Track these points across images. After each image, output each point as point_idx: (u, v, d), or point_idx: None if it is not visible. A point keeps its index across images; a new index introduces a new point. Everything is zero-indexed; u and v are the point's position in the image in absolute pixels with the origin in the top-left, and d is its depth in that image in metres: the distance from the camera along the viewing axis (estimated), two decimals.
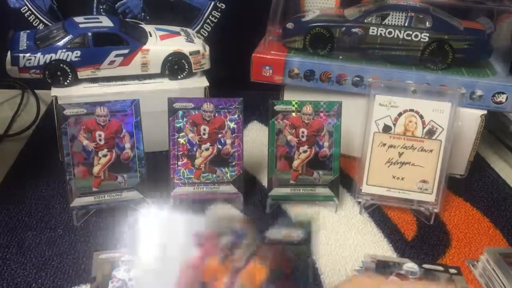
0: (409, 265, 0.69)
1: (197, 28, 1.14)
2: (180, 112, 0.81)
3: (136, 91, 0.91)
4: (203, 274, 0.35)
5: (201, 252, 0.35)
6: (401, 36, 0.90)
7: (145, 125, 0.80)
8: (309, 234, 0.36)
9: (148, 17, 1.13)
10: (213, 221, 0.36)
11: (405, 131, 0.83)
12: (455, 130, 0.83)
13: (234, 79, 1.00)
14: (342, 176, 0.88)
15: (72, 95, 0.89)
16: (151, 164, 0.82)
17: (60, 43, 0.89)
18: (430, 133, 0.82)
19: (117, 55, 0.90)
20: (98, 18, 0.94)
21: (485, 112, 0.88)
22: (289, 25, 0.95)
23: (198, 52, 0.95)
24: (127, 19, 1.11)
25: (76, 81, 0.91)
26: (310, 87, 0.93)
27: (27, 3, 1.10)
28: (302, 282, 0.37)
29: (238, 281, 0.36)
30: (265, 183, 0.88)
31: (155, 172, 0.83)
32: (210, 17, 1.14)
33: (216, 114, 0.82)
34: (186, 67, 0.95)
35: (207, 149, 0.82)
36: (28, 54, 0.88)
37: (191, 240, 0.35)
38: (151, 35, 0.95)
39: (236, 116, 0.82)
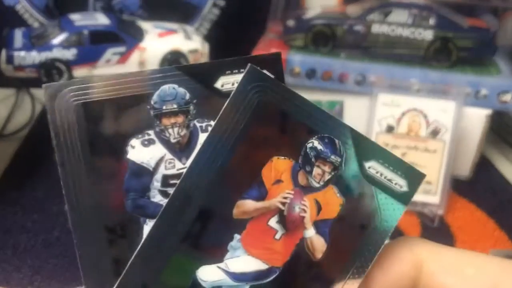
0: None
1: (195, 26, 1.12)
2: None
3: None
4: (264, 172, 0.28)
5: (276, 140, 0.28)
6: (404, 34, 0.88)
7: None
8: (412, 192, 0.29)
9: (145, 15, 1.11)
10: (312, 111, 0.27)
11: (409, 131, 0.82)
12: (460, 130, 0.82)
13: None
14: None
15: None
16: None
17: (56, 41, 0.87)
18: (434, 133, 0.81)
19: (113, 53, 0.89)
20: (94, 16, 0.93)
21: (490, 111, 0.87)
22: (290, 23, 0.94)
23: (196, 50, 0.94)
24: (124, 17, 1.10)
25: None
26: (312, 86, 0.91)
27: (22, 0, 1.09)
28: (366, 246, 0.29)
29: (303, 201, 0.29)
30: None
31: None
32: (209, 14, 1.12)
33: None
34: None
35: None
36: (23, 52, 0.87)
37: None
38: (148, 33, 0.94)
39: None
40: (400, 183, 0.29)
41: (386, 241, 0.30)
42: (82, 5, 1.09)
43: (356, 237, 0.29)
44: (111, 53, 0.89)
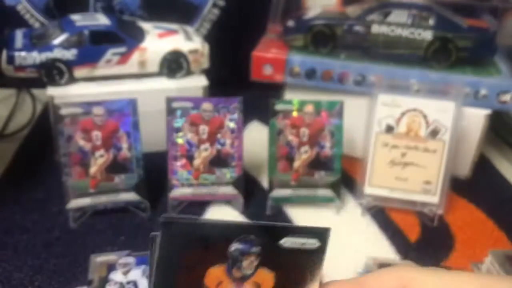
0: None
1: (196, 26, 1.12)
2: (179, 112, 0.80)
3: (133, 90, 0.89)
4: (206, 281, 0.34)
5: (206, 258, 0.34)
6: (404, 35, 0.88)
7: (143, 125, 0.79)
8: (325, 243, 0.35)
9: (145, 15, 1.11)
10: (223, 227, 0.35)
11: (408, 131, 0.82)
12: (459, 130, 0.82)
13: (233, 78, 0.99)
14: (345, 177, 0.87)
15: (68, 94, 0.87)
16: (149, 164, 0.80)
17: (56, 42, 0.87)
18: (434, 133, 0.81)
19: (114, 54, 0.89)
20: (95, 16, 0.93)
21: (489, 111, 0.87)
22: (290, 23, 0.94)
23: (197, 50, 0.94)
24: (124, 17, 1.10)
25: (73, 80, 0.89)
26: (312, 86, 0.91)
27: (23, 1, 1.09)
28: None
29: None
30: (265, 184, 0.87)
31: (153, 173, 0.81)
32: (210, 15, 1.12)
33: (215, 114, 0.80)
34: (185, 65, 0.93)
35: (206, 150, 0.81)
36: (23, 53, 0.87)
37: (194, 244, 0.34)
38: (149, 33, 0.94)
39: (235, 115, 0.80)
40: (312, 242, 0.35)
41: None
42: (83, 6, 1.09)
43: None
44: (111, 53, 0.89)
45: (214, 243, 0.34)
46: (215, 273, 0.35)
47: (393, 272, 0.35)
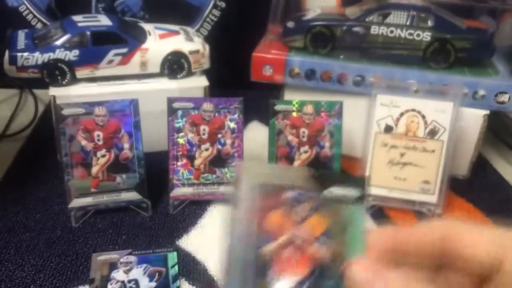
0: None
1: (196, 27, 1.13)
2: (180, 112, 0.81)
3: (135, 90, 0.90)
4: (267, 225, 0.37)
5: (266, 204, 0.37)
6: (402, 35, 0.89)
7: (144, 125, 0.79)
8: (364, 193, 0.38)
9: (147, 16, 1.12)
10: (280, 175, 0.38)
11: (407, 131, 0.82)
12: (457, 130, 0.83)
13: (234, 78, 1.00)
14: None
15: (70, 94, 0.88)
16: (150, 164, 0.81)
17: (58, 42, 0.88)
18: (432, 133, 0.81)
19: (115, 54, 0.90)
20: (97, 17, 0.93)
21: (487, 112, 0.88)
22: (290, 24, 0.94)
23: (197, 51, 0.95)
24: (126, 18, 1.10)
25: (74, 80, 0.90)
26: (311, 87, 0.92)
27: (25, 2, 1.10)
28: (354, 241, 0.38)
29: (301, 230, 0.37)
30: None
31: (154, 172, 0.82)
32: (210, 16, 1.13)
33: (216, 114, 0.81)
34: (186, 66, 0.94)
35: (206, 150, 0.81)
36: (26, 54, 0.87)
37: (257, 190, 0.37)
38: (150, 34, 0.95)
39: (236, 116, 0.81)
40: (353, 192, 0.38)
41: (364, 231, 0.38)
42: (85, 7, 1.10)
43: (342, 239, 0.38)
44: (113, 54, 0.90)
45: (275, 188, 0.37)
46: (274, 218, 0.37)
47: (439, 223, 0.34)
